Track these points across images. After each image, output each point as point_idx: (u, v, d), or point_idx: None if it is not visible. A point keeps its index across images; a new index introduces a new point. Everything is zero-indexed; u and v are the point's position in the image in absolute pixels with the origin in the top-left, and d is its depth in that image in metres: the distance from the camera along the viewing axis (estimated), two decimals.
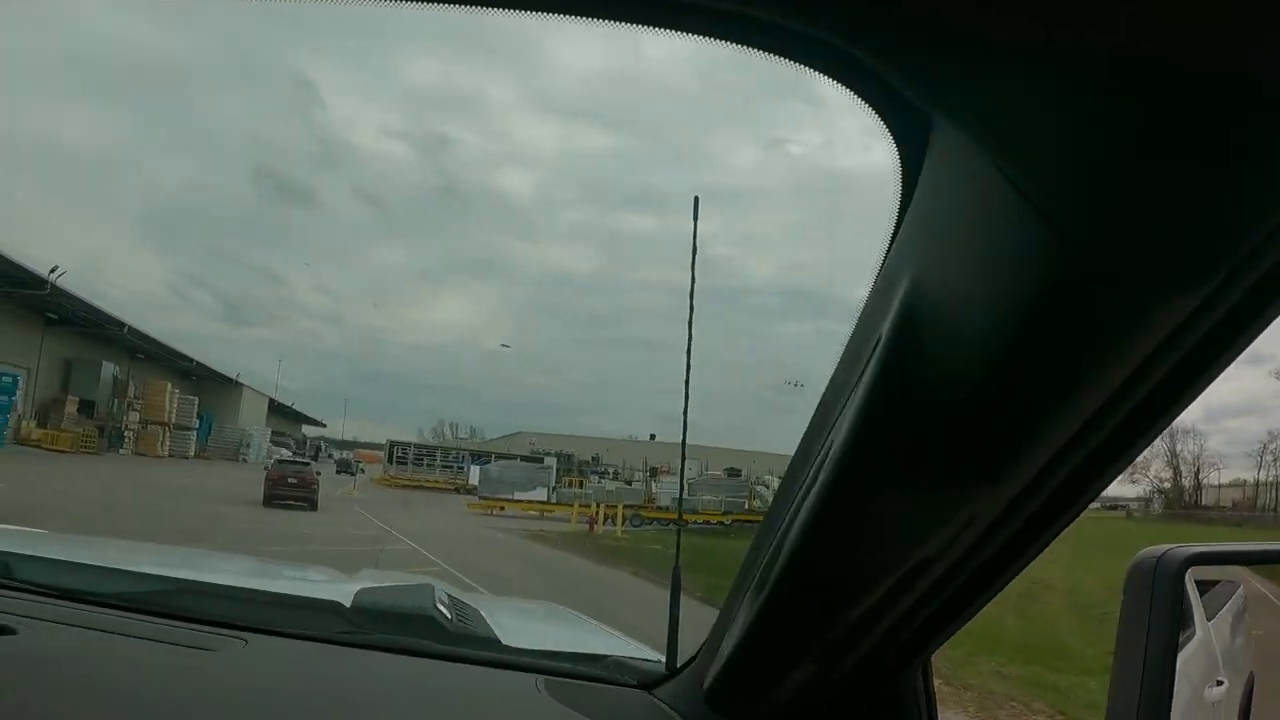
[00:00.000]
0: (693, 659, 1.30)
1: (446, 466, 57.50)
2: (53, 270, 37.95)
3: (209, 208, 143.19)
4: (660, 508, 34.91)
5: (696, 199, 2.01)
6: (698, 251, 1.72)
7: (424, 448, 60.59)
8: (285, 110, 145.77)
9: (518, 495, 38.38)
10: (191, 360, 61.84)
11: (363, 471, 57.06)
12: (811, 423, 0.98)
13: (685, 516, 27.66)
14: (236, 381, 75.18)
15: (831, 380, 0.96)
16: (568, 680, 1.38)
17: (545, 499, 38.80)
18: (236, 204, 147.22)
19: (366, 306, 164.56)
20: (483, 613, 1.63)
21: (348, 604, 1.46)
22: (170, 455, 56.21)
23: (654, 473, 61.84)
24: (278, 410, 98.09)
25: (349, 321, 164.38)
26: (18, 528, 2.43)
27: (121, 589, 1.52)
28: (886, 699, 1.10)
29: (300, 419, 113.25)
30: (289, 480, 23.60)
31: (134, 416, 51.28)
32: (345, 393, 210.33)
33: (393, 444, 59.95)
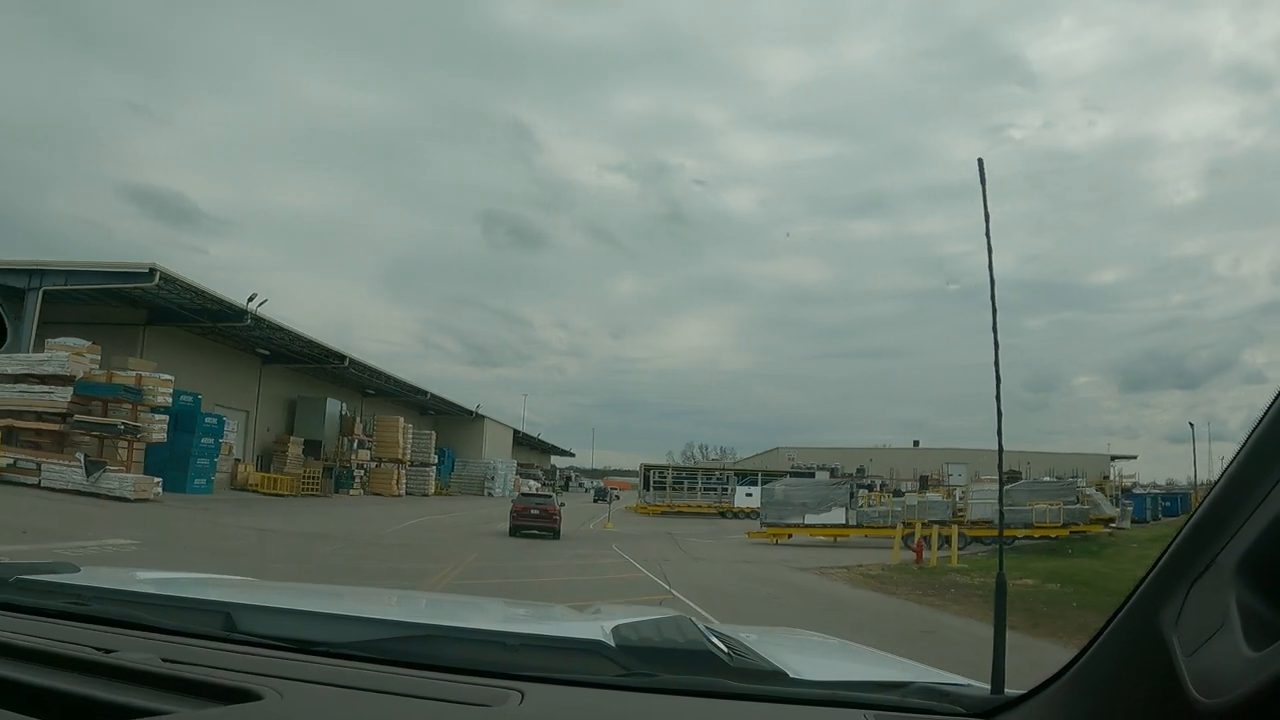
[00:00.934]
0: (1048, 683, 1.12)
1: (709, 489, 47.79)
2: (250, 298, 32.60)
3: (445, 258, 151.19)
4: (974, 522, 26.92)
5: (980, 161, 1.90)
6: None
7: (683, 470, 51.48)
8: (506, 158, 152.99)
9: (808, 519, 27.92)
10: (426, 393, 57.08)
11: (617, 498, 51.55)
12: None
13: (1011, 532, 24.92)
14: (477, 414, 70.89)
15: None
16: (887, 713, 1.22)
17: (843, 521, 28.10)
18: (471, 252, 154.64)
19: (606, 338, 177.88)
20: (747, 644, 1.42)
21: (610, 642, 1.31)
22: (407, 494, 51.20)
23: (923, 482, 56.09)
24: (524, 442, 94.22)
25: (590, 354, 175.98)
26: (237, 578, 2.37)
27: (370, 637, 1.33)
28: None
29: (548, 450, 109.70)
30: (532, 511, 24.72)
31: (364, 454, 46.13)
32: (591, 423, 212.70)
33: (648, 468, 51.35)
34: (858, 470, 52.35)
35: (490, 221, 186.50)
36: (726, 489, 47.47)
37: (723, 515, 45.56)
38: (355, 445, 45.16)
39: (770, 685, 1.26)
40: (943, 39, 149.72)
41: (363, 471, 45.94)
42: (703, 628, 1.39)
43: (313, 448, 43.19)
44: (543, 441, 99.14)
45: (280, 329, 36.30)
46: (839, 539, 27.09)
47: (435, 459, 56.96)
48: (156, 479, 28.56)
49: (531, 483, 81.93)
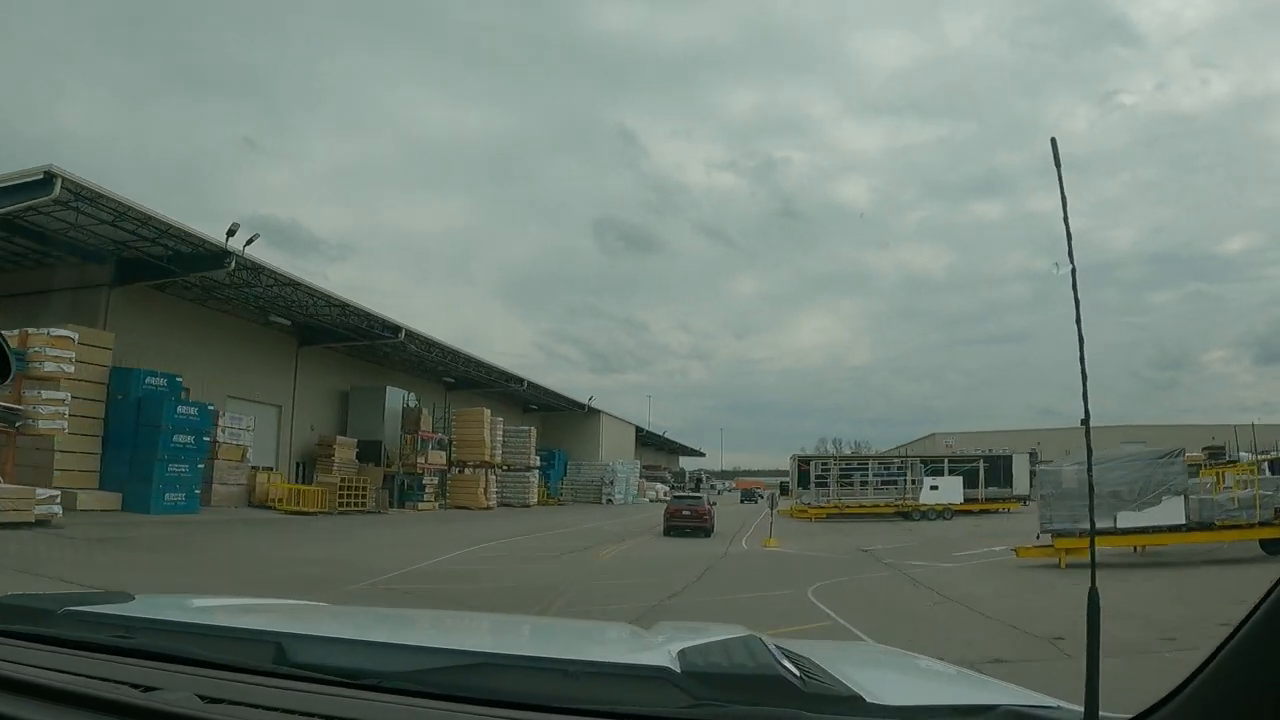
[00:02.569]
0: (1159, 706, 1.04)
1: (889, 482, 35.34)
2: (232, 231, 23.23)
3: (562, 269, 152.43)
4: None
5: (1054, 140, 1.81)
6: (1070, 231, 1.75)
7: (850, 460, 38.90)
8: (614, 164, 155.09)
9: (1121, 520, 15.65)
10: (523, 381, 47.04)
11: (762, 498, 45.75)
12: None
13: None
14: (590, 408, 60.91)
15: None
16: None
17: (1182, 519, 15.81)
18: (587, 261, 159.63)
19: (729, 339, 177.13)
20: (819, 663, 1.38)
21: (676, 668, 1.22)
22: (502, 504, 41.33)
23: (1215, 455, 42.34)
24: (649, 442, 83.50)
25: (714, 355, 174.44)
26: (295, 602, 2.33)
27: (424, 667, 1.27)
28: None
29: (676, 450, 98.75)
30: (684, 512, 25.33)
31: (438, 457, 36.47)
32: (717, 425, 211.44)
33: (803, 461, 39.30)
34: (1030, 453, 38.82)
35: (603, 229, 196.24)
36: (909, 482, 34.84)
37: (905, 516, 33.26)
38: (424, 445, 35.50)
39: (846, 714, 1.17)
40: (1044, 4, 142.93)
41: (435, 479, 36.23)
42: (773, 647, 1.32)
43: (371, 450, 33.90)
44: (670, 440, 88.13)
45: (291, 283, 26.88)
46: (1141, 549, 15.53)
47: (537, 461, 46.96)
48: (114, 494, 19.99)
49: (658, 485, 71.24)
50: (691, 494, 30.89)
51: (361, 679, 1.21)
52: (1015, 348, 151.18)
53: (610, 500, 54.27)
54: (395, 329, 32.00)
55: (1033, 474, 33.71)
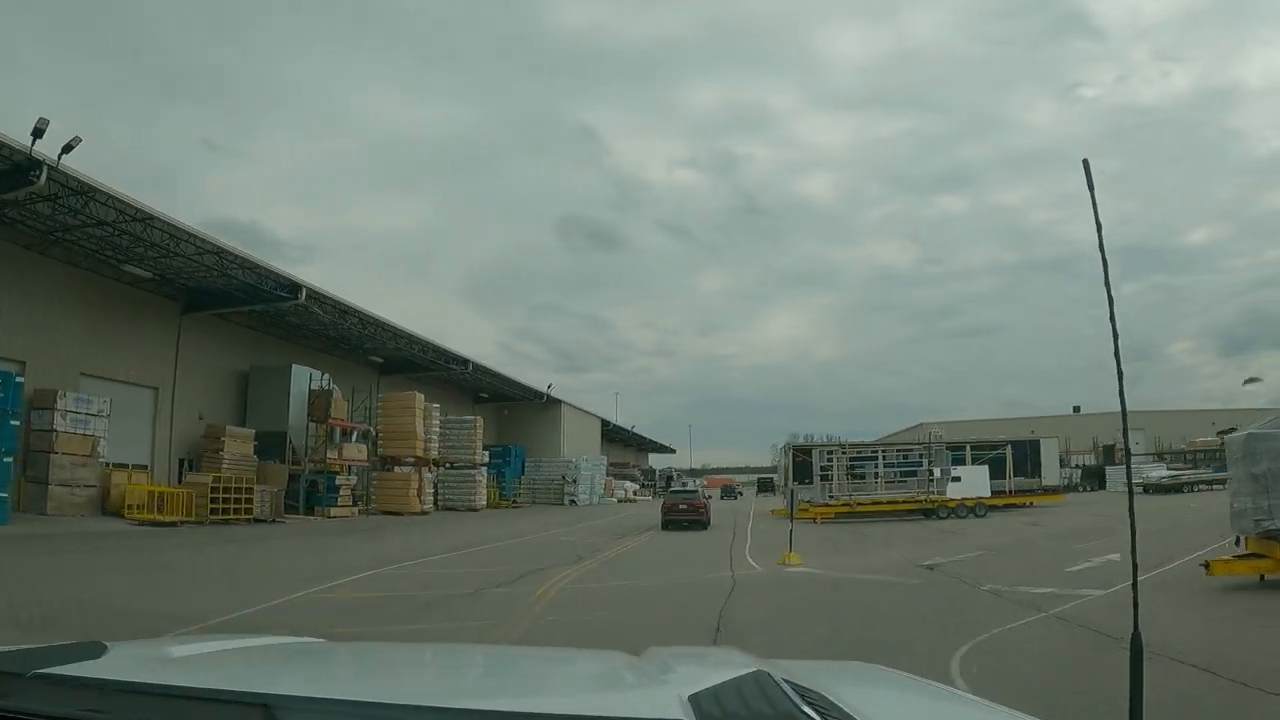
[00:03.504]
0: None
1: (907, 473, 29.65)
2: (39, 131, 16.59)
3: (526, 267, 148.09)
4: None
5: (1086, 162, 1.85)
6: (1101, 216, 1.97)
7: (859, 449, 32.49)
8: (576, 161, 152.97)
9: None
10: (467, 363, 40.60)
11: (740, 495, 43.60)
12: None
13: None
14: (549, 398, 54.41)
15: None
16: None
17: None
18: (550, 258, 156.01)
19: (694, 336, 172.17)
20: (834, 700, 1.31)
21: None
22: (443, 508, 34.91)
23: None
24: (616, 438, 77.16)
25: (679, 352, 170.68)
26: (290, 640, 2.12)
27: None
28: None
29: (646, 446, 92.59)
30: (680, 507, 25.81)
31: (357, 451, 29.97)
32: (685, 422, 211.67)
33: (799, 450, 33.28)
34: (1031, 445, 33.33)
35: (567, 227, 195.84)
36: (933, 473, 29.00)
37: (928, 514, 27.58)
38: (340, 437, 28.96)
39: None
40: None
41: (355, 479, 29.63)
42: (786, 688, 1.26)
43: (274, 444, 27.32)
44: (639, 436, 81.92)
45: (142, 216, 20.25)
46: None
47: (484, 457, 40.52)
48: None
49: (627, 484, 65.16)
50: (688, 490, 31.02)
51: None
52: (983, 341, 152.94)
53: (573, 501, 47.97)
54: (294, 287, 25.38)
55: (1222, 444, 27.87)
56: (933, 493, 28.66)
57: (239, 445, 26.09)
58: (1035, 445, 33.40)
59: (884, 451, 31.75)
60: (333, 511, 27.30)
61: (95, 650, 1.51)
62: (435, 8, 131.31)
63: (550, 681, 1.90)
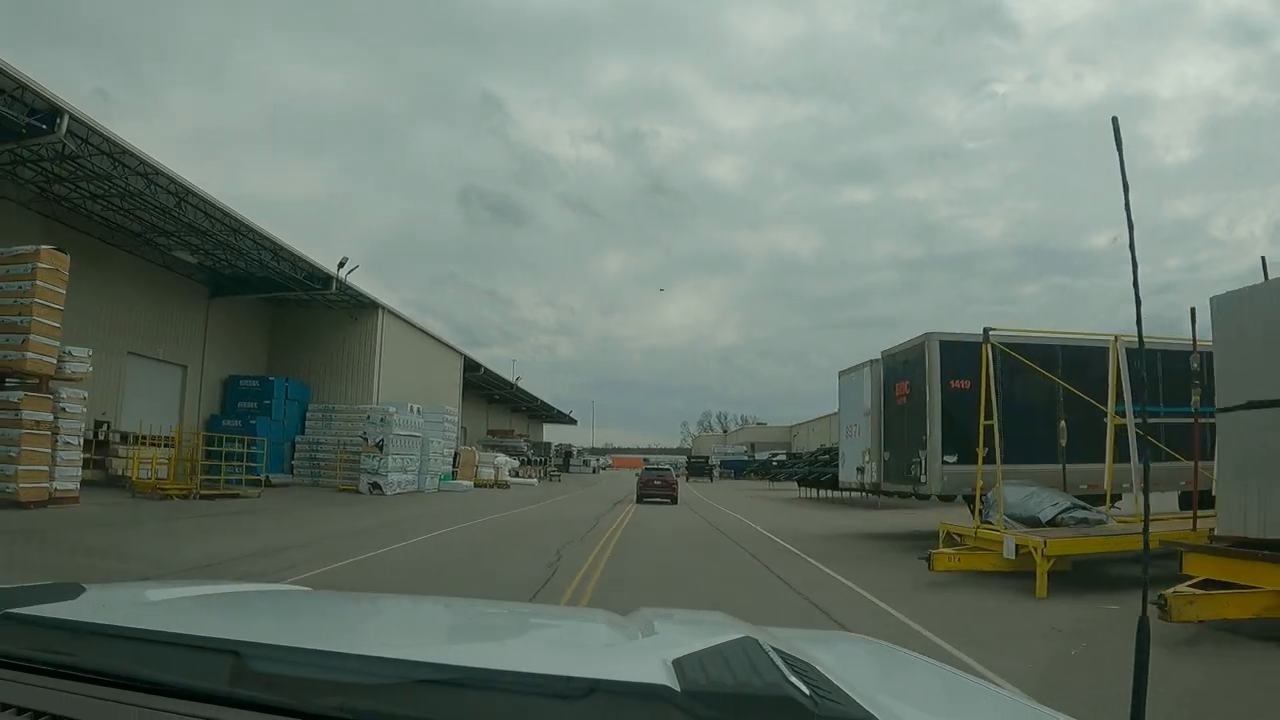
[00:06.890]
0: None
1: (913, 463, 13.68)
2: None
3: (426, 237, 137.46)
4: None
5: (1115, 119, 1.82)
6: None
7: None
8: (480, 132, 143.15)
9: None
10: (164, 174, 23.05)
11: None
12: None
13: None
14: (353, 295, 32.63)
15: None
16: None
17: None
18: (451, 230, 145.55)
19: (595, 316, 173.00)
20: (822, 670, 1.24)
21: (675, 685, 1.03)
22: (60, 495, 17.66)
23: None
24: (497, 397, 59.99)
25: (581, 332, 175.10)
26: (284, 587, 2.15)
27: (395, 679, 1.09)
28: None
29: (539, 413, 75.28)
30: (655, 483, 29.84)
31: None
32: (586, 400, 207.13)
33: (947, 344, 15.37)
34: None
35: (469, 199, 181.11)
36: (917, 459, 12.88)
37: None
38: None
39: None
40: None
41: None
42: (774, 656, 1.20)
43: None
44: (530, 396, 64.28)
45: None
46: None
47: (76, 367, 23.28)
48: None
49: (500, 458, 48.20)
50: (660, 467, 34.70)
51: (319, 703, 1.05)
52: (882, 334, 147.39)
53: (376, 486, 29.06)
54: None
55: None
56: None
57: None
58: None
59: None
60: None
61: (72, 591, 1.51)
62: None
63: (531, 639, 1.83)
